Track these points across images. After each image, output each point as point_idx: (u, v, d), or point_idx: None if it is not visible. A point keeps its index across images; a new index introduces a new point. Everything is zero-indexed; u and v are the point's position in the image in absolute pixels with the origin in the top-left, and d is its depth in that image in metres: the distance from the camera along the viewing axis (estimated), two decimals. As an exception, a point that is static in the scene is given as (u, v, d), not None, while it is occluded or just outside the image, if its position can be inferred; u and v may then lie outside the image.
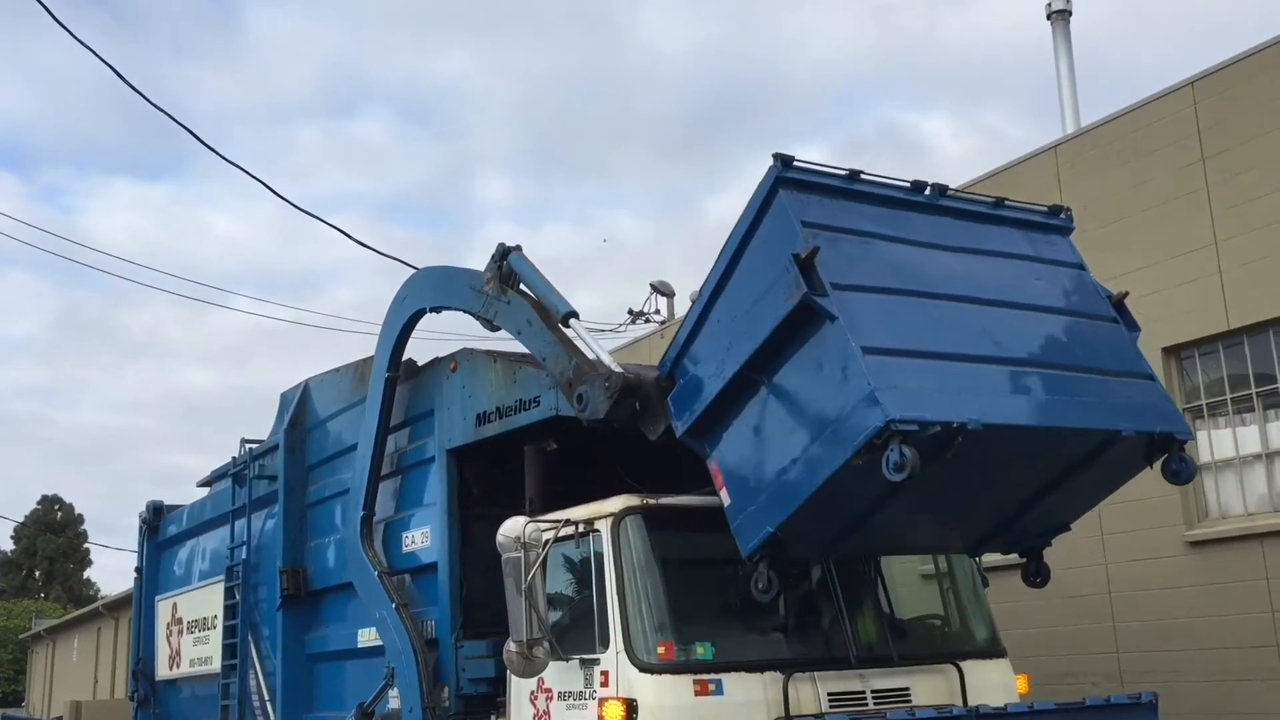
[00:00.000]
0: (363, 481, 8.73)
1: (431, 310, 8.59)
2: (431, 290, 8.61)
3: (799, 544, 5.98)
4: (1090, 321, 6.53)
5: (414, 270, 9.17)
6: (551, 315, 7.32)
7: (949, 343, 5.83)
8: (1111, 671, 10.67)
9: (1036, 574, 6.97)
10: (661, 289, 21.48)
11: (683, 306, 20.38)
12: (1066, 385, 6.09)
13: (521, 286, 7.66)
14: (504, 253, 7.75)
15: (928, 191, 6.52)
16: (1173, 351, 10.59)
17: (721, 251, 6.25)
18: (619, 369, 6.65)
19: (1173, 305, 10.46)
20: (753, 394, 6.00)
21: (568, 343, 7.13)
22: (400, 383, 8.87)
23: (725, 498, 6.10)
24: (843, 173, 6.26)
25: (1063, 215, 7.04)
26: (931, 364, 5.68)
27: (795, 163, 6.06)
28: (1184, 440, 6.27)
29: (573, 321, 7.21)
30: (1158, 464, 6.36)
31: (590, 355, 6.92)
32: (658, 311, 21.53)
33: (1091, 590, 10.90)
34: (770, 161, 6.04)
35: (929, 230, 6.39)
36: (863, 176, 6.31)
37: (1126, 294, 6.71)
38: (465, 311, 8.13)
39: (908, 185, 6.50)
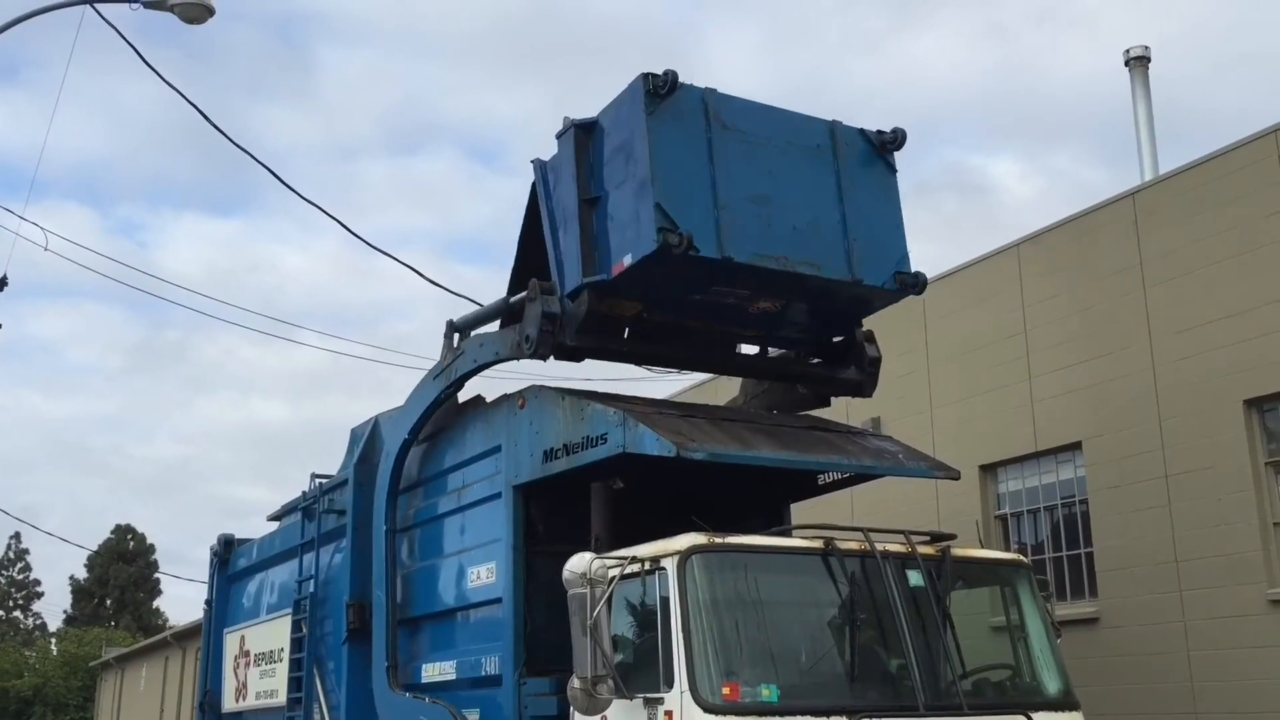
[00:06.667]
0: (383, 633, 9.06)
1: (411, 441, 9.30)
2: (403, 421, 9.37)
3: None
4: None
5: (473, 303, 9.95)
6: (494, 318, 8.72)
7: None
8: (1189, 733, 10.32)
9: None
10: None
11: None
12: None
13: (472, 334, 8.92)
14: (450, 328, 9.15)
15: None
16: (1254, 404, 10.32)
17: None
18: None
19: (1255, 357, 10.19)
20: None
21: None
22: (470, 417, 9.01)
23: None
24: None
25: None
26: None
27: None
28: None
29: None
30: None
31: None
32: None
33: (1169, 648, 10.58)
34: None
35: None
36: None
37: None
38: (439, 396, 9.04)
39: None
